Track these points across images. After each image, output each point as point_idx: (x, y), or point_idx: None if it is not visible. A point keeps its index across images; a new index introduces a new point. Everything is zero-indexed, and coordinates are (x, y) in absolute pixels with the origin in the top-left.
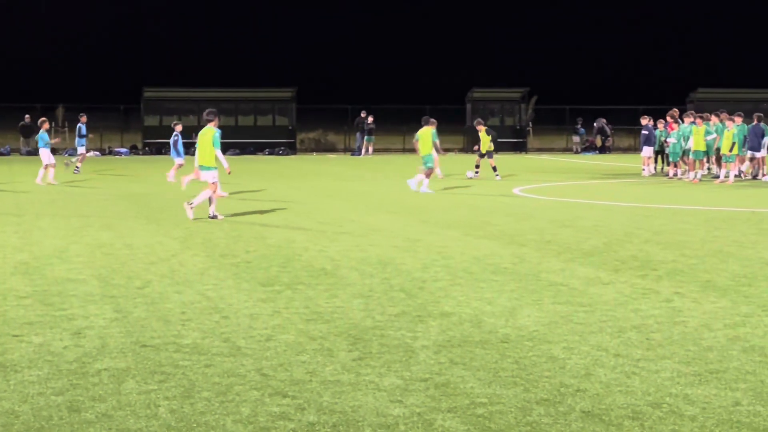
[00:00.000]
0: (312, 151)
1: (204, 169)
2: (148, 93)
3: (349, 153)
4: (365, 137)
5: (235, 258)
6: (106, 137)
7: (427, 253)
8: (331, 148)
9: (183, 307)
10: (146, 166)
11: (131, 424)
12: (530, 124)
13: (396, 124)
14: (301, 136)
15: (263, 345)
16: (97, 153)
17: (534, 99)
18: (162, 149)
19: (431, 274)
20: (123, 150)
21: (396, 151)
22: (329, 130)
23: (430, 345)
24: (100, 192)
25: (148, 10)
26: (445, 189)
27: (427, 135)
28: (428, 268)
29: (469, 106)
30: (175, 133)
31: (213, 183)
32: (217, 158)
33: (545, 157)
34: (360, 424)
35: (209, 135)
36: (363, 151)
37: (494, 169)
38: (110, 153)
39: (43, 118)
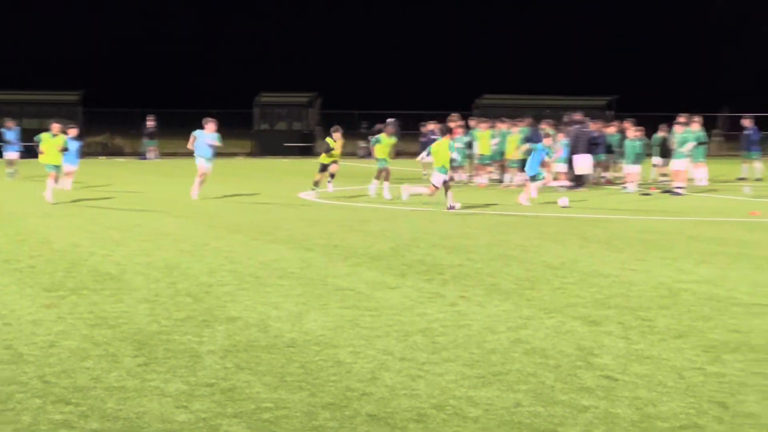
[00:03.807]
0: (98, 154)
1: (440, 171)
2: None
3: (138, 157)
4: (145, 141)
5: (18, 263)
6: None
7: (213, 258)
8: (119, 153)
9: None
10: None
11: None
12: (317, 129)
13: (178, 127)
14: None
15: (46, 351)
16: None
17: (319, 102)
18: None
19: (217, 279)
20: None
21: (182, 155)
22: (116, 134)
23: (216, 350)
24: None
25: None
26: (233, 194)
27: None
28: (215, 273)
29: (256, 111)
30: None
31: (434, 186)
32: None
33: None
34: (145, 430)
35: (445, 144)
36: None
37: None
38: None
39: (71, 124)
